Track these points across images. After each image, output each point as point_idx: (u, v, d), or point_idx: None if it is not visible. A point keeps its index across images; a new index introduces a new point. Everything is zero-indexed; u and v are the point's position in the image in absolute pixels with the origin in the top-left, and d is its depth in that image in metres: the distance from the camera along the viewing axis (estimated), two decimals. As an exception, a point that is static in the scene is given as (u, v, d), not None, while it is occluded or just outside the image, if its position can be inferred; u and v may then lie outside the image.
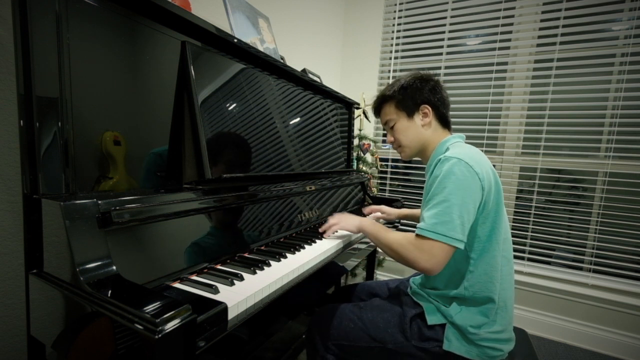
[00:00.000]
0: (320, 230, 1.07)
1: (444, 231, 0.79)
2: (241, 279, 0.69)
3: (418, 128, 1.00)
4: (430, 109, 0.98)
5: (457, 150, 0.88)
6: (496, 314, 0.87)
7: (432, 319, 0.89)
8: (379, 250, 1.57)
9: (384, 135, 2.52)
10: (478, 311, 0.86)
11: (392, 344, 0.90)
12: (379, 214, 1.43)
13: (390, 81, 2.41)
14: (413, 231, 0.86)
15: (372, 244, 1.34)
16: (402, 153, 1.06)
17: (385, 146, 2.55)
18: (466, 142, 1.00)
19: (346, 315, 0.98)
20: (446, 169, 0.83)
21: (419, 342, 0.88)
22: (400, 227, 2.09)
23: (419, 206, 1.46)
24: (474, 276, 0.86)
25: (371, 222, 1.02)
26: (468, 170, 0.81)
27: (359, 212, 1.48)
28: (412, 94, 0.99)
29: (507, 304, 0.89)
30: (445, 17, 2.23)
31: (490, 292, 0.86)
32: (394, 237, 0.90)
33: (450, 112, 1.03)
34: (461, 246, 0.80)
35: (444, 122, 1.01)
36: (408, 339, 0.89)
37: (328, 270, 0.93)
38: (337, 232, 1.08)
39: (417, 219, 1.46)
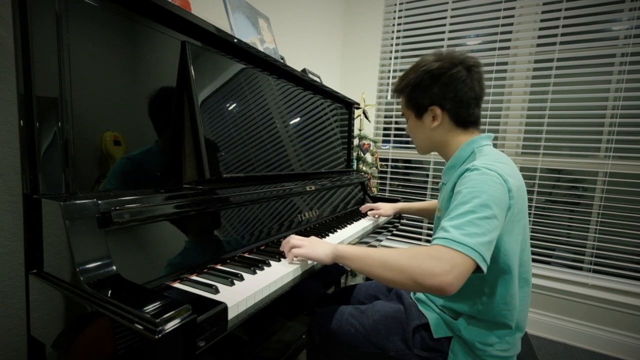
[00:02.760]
0: (281, 248, 0.86)
1: (472, 244, 0.63)
2: (241, 279, 0.69)
3: (427, 130, 0.91)
4: (440, 110, 0.87)
5: (487, 160, 0.77)
6: (511, 336, 0.82)
7: (439, 332, 0.85)
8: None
9: (385, 134, 2.54)
10: (490, 333, 0.81)
11: (394, 351, 0.87)
12: (375, 210, 1.41)
13: (391, 81, 2.43)
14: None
15: (372, 243, 1.34)
16: (416, 148, 1.00)
17: (385, 146, 2.55)
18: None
19: (347, 319, 0.94)
20: (476, 180, 0.72)
21: (422, 352, 0.85)
22: (401, 227, 2.10)
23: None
24: (491, 301, 0.79)
25: (347, 245, 0.85)
26: (501, 184, 0.72)
27: (357, 212, 1.48)
28: (420, 94, 0.88)
29: (520, 325, 0.83)
30: (445, 17, 2.23)
31: (506, 319, 0.80)
32: (393, 250, 0.71)
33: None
34: (484, 268, 0.65)
35: (463, 122, 0.88)
36: (410, 347, 0.86)
37: (328, 270, 0.93)
38: (295, 259, 0.83)
39: (416, 212, 1.44)
